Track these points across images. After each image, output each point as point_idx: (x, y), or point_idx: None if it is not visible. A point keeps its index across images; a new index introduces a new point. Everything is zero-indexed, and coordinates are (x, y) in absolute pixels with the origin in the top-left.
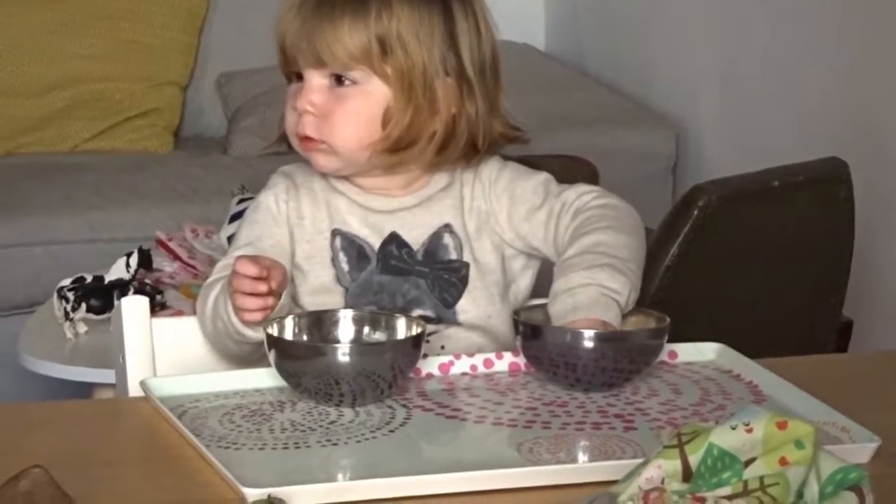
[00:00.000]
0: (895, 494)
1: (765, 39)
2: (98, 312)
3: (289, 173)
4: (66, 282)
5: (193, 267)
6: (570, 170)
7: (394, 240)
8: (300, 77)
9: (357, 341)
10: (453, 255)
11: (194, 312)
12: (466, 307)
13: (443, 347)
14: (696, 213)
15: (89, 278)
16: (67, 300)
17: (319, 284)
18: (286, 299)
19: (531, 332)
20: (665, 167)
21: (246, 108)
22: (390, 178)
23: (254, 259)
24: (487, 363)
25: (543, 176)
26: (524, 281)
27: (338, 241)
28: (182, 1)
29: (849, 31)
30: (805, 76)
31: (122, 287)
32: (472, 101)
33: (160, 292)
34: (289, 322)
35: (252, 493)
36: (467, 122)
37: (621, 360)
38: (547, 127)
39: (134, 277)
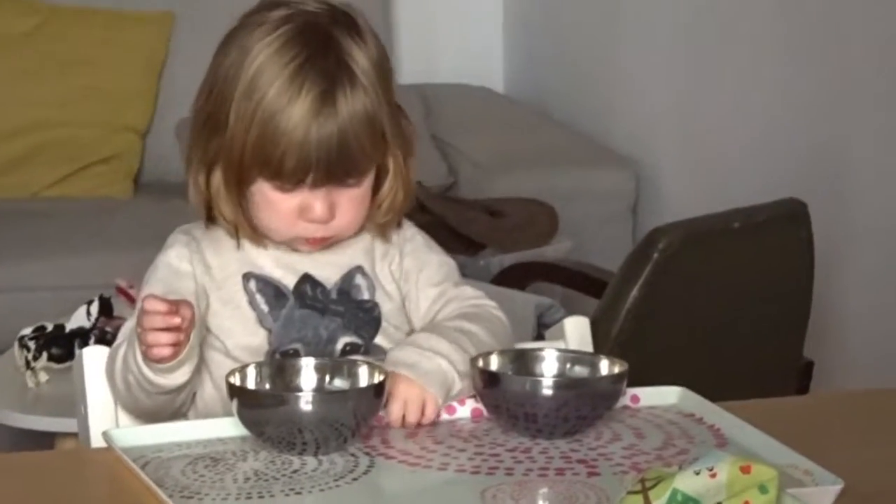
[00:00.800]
0: None
1: (723, 80)
2: (59, 361)
3: (186, 230)
4: (27, 330)
5: None
6: (531, 212)
7: (307, 280)
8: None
9: (320, 389)
10: (366, 296)
11: None
12: (383, 343)
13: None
14: (656, 255)
15: (50, 326)
16: (28, 349)
17: (240, 330)
18: (195, 340)
19: (489, 380)
20: (626, 207)
21: None
22: None
23: (162, 297)
24: (450, 409)
25: (451, 260)
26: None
27: (252, 283)
28: (141, 46)
29: (807, 73)
30: (763, 116)
31: (83, 335)
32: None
33: None
34: (251, 371)
35: None
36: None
37: (583, 408)
38: (507, 168)
39: (95, 325)
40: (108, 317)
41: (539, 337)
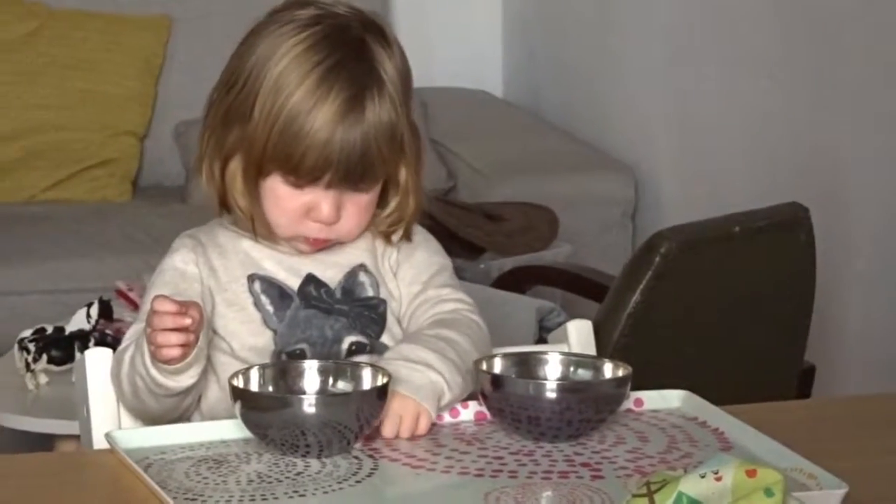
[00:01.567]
0: None
1: (721, 84)
2: (59, 363)
3: (191, 235)
4: (27, 333)
5: None
6: (530, 217)
7: (311, 281)
8: (293, 181)
9: (323, 392)
10: (370, 293)
11: None
12: (388, 342)
13: None
14: (657, 259)
15: (50, 329)
16: (28, 351)
17: (246, 331)
18: (203, 342)
19: (493, 383)
20: (624, 213)
21: None
22: None
23: (171, 298)
24: (454, 412)
25: (442, 259)
26: None
27: (257, 284)
28: (139, 50)
29: (807, 76)
30: (762, 120)
31: (82, 338)
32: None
33: (121, 342)
34: (254, 373)
35: None
36: None
37: (586, 411)
38: (505, 173)
39: (94, 328)
40: (108, 319)
41: (540, 340)
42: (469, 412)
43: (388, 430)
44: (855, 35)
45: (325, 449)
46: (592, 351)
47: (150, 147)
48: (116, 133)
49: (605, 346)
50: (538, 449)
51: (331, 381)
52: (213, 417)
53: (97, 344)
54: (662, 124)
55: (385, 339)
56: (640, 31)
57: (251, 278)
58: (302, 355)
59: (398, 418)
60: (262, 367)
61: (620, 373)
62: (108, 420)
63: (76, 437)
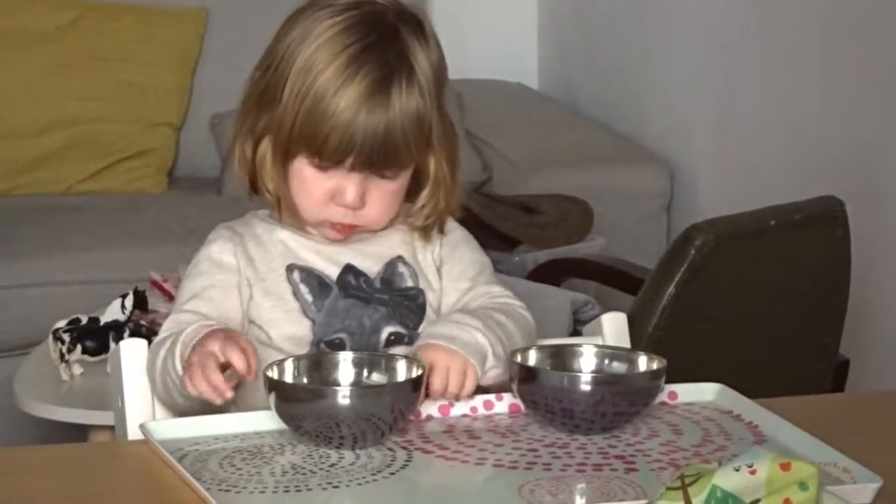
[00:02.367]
0: None
1: (759, 77)
2: (94, 354)
3: (228, 226)
4: (62, 323)
5: None
6: (565, 209)
7: (350, 270)
8: (318, 164)
9: (357, 384)
10: (409, 283)
11: None
12: None
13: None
14: (692, 252)
15: (85, 320)
16: (63, 342)
17: (284, 320)
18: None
19: (527, 375)
20: (660, 206)
21: None
22: None
23: (221, 345)
24: (487, 405)
25: (486, 259)
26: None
27: (296, 274)
28: (175, 42)
29: (844, 70)
30: (799, 114)
31: (117, 328)
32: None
33: (156, 333)
34: (289, 365)
35: None
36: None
37: (620, 403)
38: (540, 166)
39: (129, 319)
40: (143, 310)
41: (574, 333)
42: (503, 404)
43: (436, 384)
44: (894, 29)
45: (359, 441)
46: (626, 344)
47: (186, 139)
48: (152, 125)
49: (640, 339)
50: (572, 441)
51: (365, 372)
52: (248, 408)
53: (132, 335)
54: (698, 116)
55: (423, 329)
56: (677, 23)
57: (290, 268)
58: (340, 345)
59: (446, 371)
60: (297, 358)
61: (655, 366)
62: (142, 411)
63: (110, 428)
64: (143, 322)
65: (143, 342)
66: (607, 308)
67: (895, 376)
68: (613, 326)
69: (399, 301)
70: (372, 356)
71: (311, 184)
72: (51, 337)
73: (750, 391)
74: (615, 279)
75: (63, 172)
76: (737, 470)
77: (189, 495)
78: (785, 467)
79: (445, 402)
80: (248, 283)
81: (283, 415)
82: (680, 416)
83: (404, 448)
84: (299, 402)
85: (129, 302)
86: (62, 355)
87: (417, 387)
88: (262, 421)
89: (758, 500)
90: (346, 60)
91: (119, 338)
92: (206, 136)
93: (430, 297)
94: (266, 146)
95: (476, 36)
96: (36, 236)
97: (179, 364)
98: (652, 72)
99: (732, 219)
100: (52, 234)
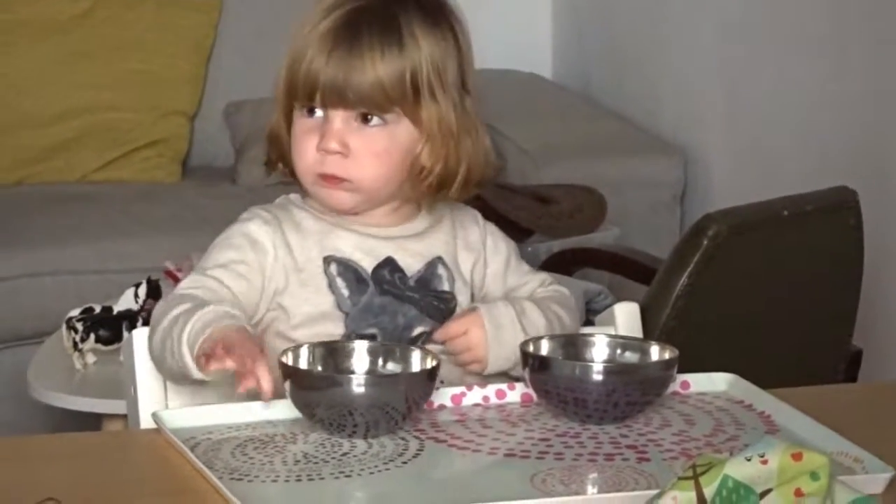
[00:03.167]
0: None
1: (773, 67)
2: (107, 343)
3: (266, 209)
4: (75, 312)
5: None
6: (579, 199)
7: (388, 264)
8: (311, 111)
9: (372, 372)
10: (446, 287)
11: None
12: None
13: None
14: (705, 242)
15: (98, 309)
16: (76, 330)
17: (318, 313)
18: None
19: (540, 365)
20: (673, 195)
21: (253, 137)
22: (386, 215)
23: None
24: (500, 394)
25: (513, 244)
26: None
27: (333, 267)
28: (189, 31)
29: (859, 59)
30: (813, 104)
31: (130, 318)
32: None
33: None
34: (303, 352)
35: None
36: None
37: (632, 393)
38: (554, 156)
39: (143, 308)
40: (156, 299)
41: (587, 323)
42: (515, 394)
43: (450, 332)
44: None
45: (371, 429)
46: (639, 333)
47: (200, 128)
48: (166, 114)
49: (652, 329)
50: (584, 431)
51: (380, 361)
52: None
53: (145, 324)
54: (713, 106)
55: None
56: (691, 13)
57: (327, 260)
58: (372, 339)
59: (467, 342)
60: (312, 345)
61: (667, 355)
62: (155, 400)
63: (123, 417)
64: None
65: None
66: (620, 298)
67: None
68: (626, 316)
69: (429, 301)
70: (387, 346)
71: (301, 137)
72: (64, 326)
73: (762, 381)
74: (628, 269)
75: (77, 161)
76: (748, 460)
77: (201, 484)
78: (797, 457)
79: (459, 392)
80: (285, 272)
81: (296, 401)
82: (692, 405)
83: (416, 437)
84: (313, 390)
85: (142, 291)
86: (75, 344)
87: (432, 377)
88: (275, 410)
89: (769, 490)
90: (324, 8)
91: (132, 327)
92: (220, 125)
93: (461, 300)
94: (277, 113)
95: (489, 25)
96: (49, 225)
97: (186, 343)
98: (666, 61)
99: (746, 209)
100: (65, 223)
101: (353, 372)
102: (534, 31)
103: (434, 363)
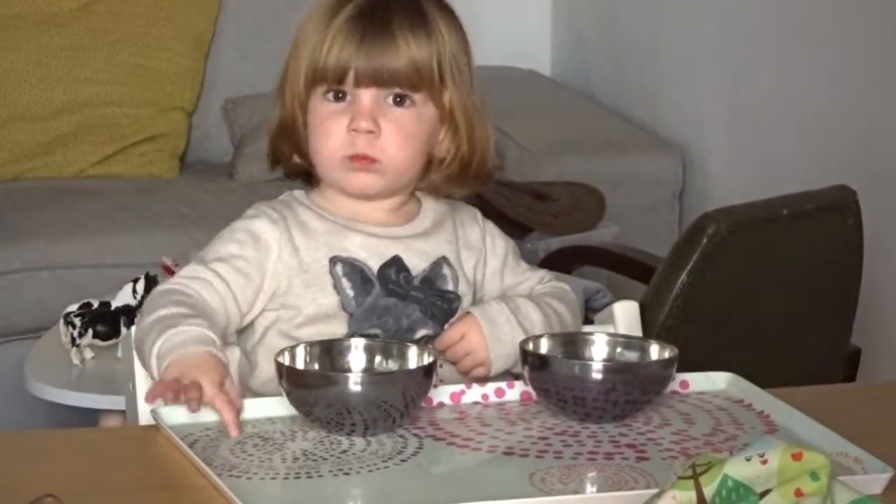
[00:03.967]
0: None
1: (772, 65)
2: (105, 338)
3: (272, 207)
4: (73, 307)
5: None
6: (578, 196)
7: (395, 263)
8: (336, 96)
9: (369, 370)
10: (450, 287)
11: None
12: None
13: (441, 366)
14: (704, 241)
15: (96, 304)
16: (74, 326)
17: (322, 313)
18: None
19: (539, 363)
20: (672, 193)
21: (252, 133)
22: (390, 214)
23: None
24: (499, 392)
25: (512, 242)
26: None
27: (338, 267)
28: (188, 26)
29: (859, 58)
30: (813, 103)
31: (128, 313)
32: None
33: None
34: (300, 351)
35: None
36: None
37: (632, 392)
38: (553, 153)
39: (140, 303)
40: None
41: (586, 321)
42: (515, 392)
43: (447, 340)
44: None
45: (370, 427)
46: (638, 332)
47: (199, 123)
48: (165, 109)
49: (652, 328)
50: (583, 430)
51: (377, 359)
52: (266, 394)
53: None
54: (712, 104)
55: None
56: (691, 11)
57: (333, 260)
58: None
59: (465, 348)
60: (309, 344)
61: (666, 354)
62: None
63: (121, 413)
64: None
65: None
66: (619, 296)
67: None
68: (625, 314)
69: (433, 301)
70: (384, 343)
71: (327, 120)
72: (62, 321)
73: (761, 380)
74: (627, 267)
75: (75, 156)
76: (748, 459)
77: (200, 481)
78: (796, 457)
79: (458, 390)
80: (289, 273)
81: (294, 400)
82: (691, 405)
83: (416, 435)
84: (310, 388)
85: (140, 286)
86: (73, 339)
87: (429, 374)
88: (274, 407)
89: (769, 490)
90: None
91: (130, 322)
92: (218, 120)
93: (465, 302)
94: (291, 105)
95: (488, 22)
96: (48, 220)
97: (155, 357)
98: (665, 59)
99: (745, 207)
100: (63, 218)
101: (349, 370)
102: (533, 27)
103: (431, 359)
